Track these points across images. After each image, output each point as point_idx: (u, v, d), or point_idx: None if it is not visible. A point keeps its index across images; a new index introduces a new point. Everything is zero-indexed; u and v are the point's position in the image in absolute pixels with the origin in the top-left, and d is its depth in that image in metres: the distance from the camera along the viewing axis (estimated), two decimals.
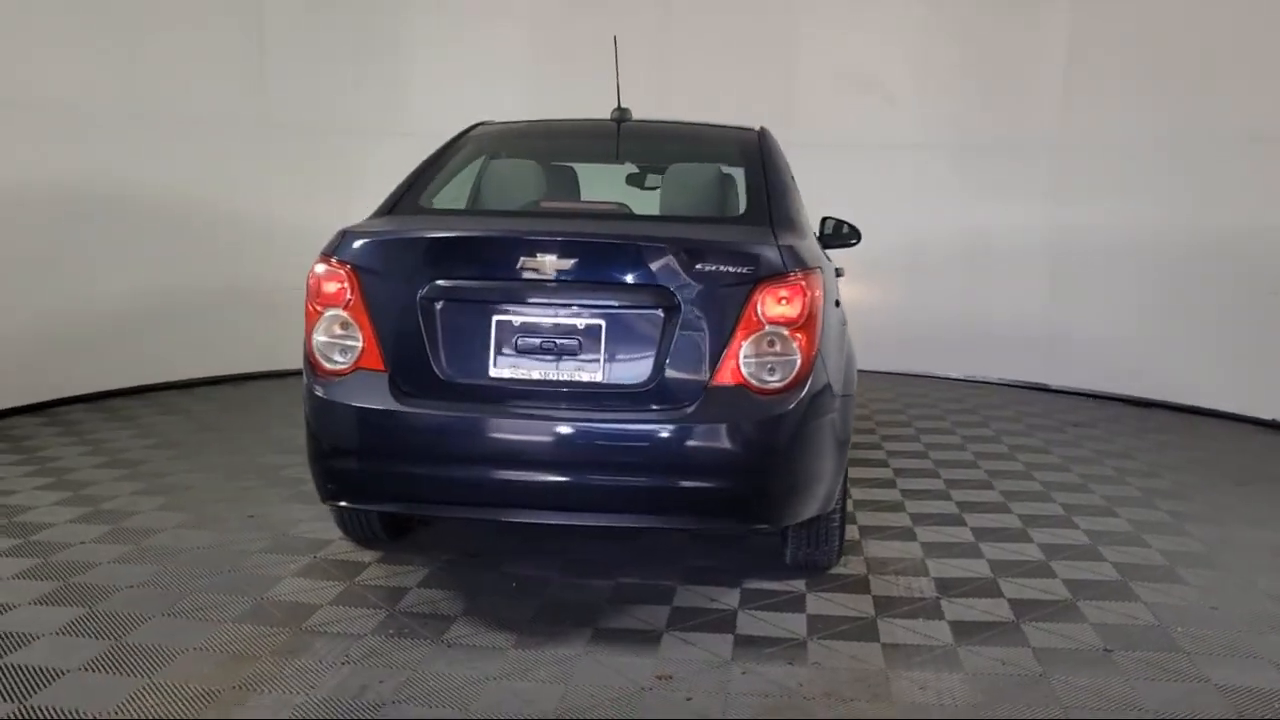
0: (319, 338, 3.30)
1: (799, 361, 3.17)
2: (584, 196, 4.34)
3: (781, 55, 8.40)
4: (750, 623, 3.41)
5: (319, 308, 3.30)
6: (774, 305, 3.14)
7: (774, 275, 3.15)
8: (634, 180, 4.66)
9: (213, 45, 7.35)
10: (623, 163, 4.57)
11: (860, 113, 8.25)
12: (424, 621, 3.35)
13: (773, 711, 2.81)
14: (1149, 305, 7.33)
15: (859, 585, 3.76)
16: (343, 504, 3.40)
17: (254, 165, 7.59)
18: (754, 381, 3.15)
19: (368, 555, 3.95)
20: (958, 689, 2.95)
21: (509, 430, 3.16)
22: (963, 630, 3.37)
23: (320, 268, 3.31)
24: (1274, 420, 6.67)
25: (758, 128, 4.33)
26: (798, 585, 3.75)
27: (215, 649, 3.10)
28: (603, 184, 4.47)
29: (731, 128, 4.41)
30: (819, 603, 3.59)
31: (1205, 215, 6.94)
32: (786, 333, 3.15)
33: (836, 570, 3.90)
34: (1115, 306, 7.52)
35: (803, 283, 3.17)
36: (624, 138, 4.34)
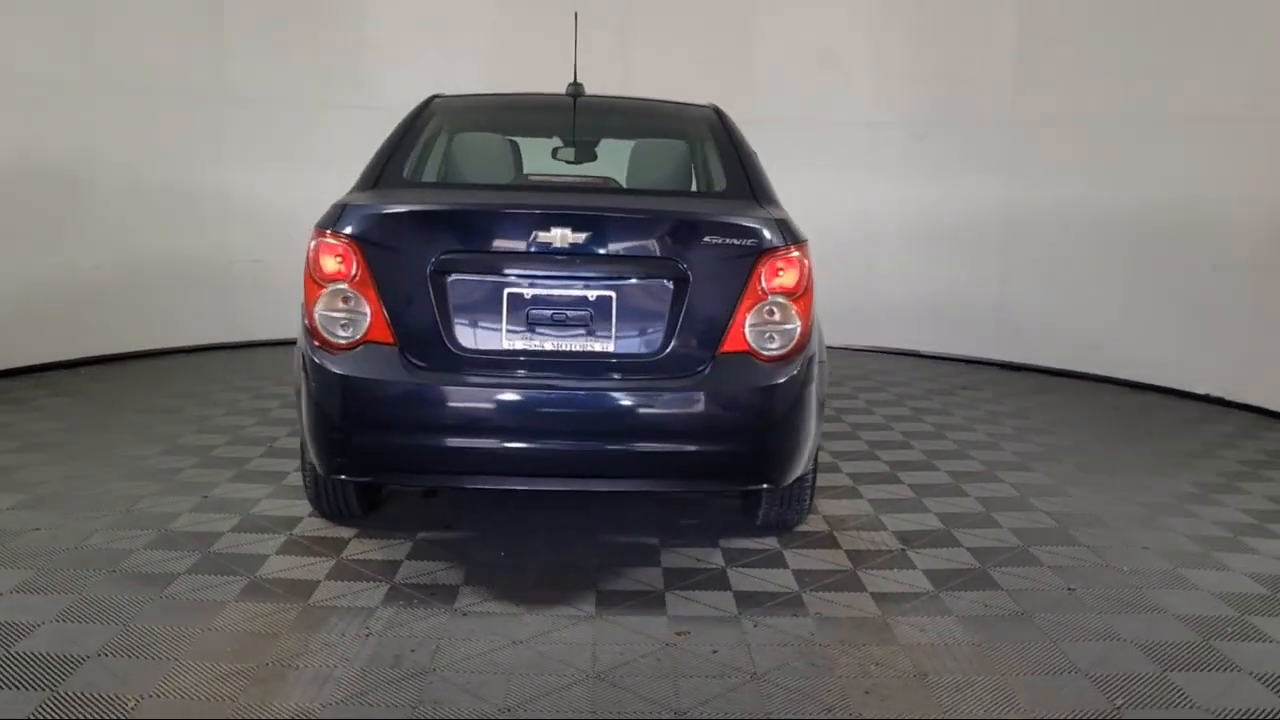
0: (322, 312, 3.27)
1: (799, 330, 3.34)
2: (550, 170, 4.39)
3: (740, 31, 8.53)
4: (743, 579, 3.58)
5: (321, 282, 3.27)
6: (775, 276, 3.30)
7: (775, 248, 3.31)
8: (583, 155, 4.72)
9: (170, 15, 7.43)
10: (577, 138, 4.62)
11: (815, 90, 8.37)
12: (430, 592, 3.38)
13: (797, 658, 2.98)
14: (1096, 281, 7.41)
15: (827, 541, 3.98)
16: (348, 477, 3.38)
17: (211, 137, 7.69)
18: (758, 349, 3.31)
19: (344, 531, 3.93)
20: (955, 630, 3.19)
21: (524, 401, 3.22)
22: (937, 578, 3.62)
23: (321, 242, 3.28)
24: (1208, 394, 6.81)
25: (710, 105, 4.47)
26: (771, 543, 3.94)
27: (229, 629, 3.06)
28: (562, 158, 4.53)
29: (687, 105, 4.53)
30: (798, 558, 3.78)
31: (1148, 193, 7.02)
32: (786, 302, 3.32)
33: (801, 529, 4.11)
34: (1064, 283, 7.60)
35: (799, 254, 3.34)
36: (581, 112, 4.41)
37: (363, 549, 3.75)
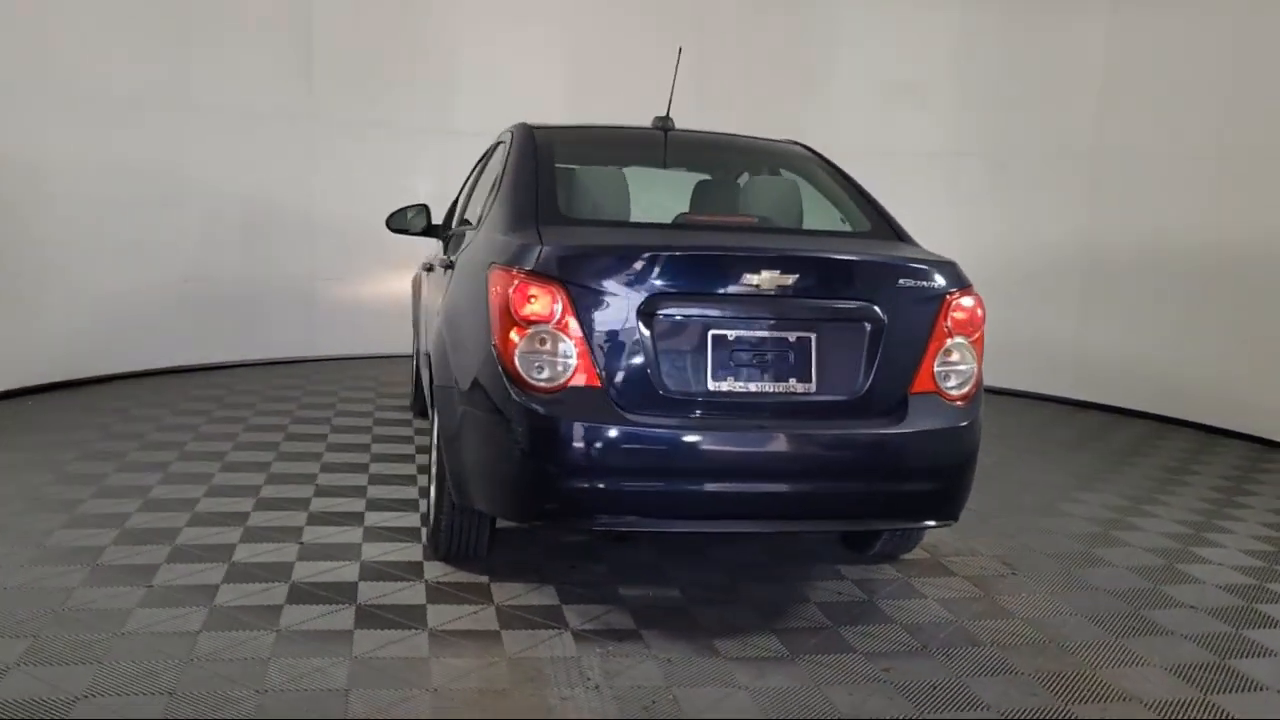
0: (524, 353, 3.18)
1: (975, 371, 3.47)
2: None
3: (819, 62, 8.73)
4: (897, 611, 3.68)
5: (521, 322, 3.18)
6: (958, 318, 3.42)
7: (956, 290, 3.43)
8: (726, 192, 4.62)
9: (262, 40, 7.97)
10: (672, 169, 4.61)
11: (894, 120, 8.43)
12: (616, 637, 3.32)
13: (1016, 688, 3.10)
14: (1175, 319, 7.38)
15: (939, 569, 4.13)
16: (550, 524, 3.28)
17: (298, 159, 8.26)
18: (944, 390, 3.42)
19: (473, 574, 3.79)
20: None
21: (737, 443, 3.21)
22: (1069, 600, 3.82)
23: (521, 281, 3.18)
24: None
25: (795, 141, 4.56)
26: (890, 571, 4.08)
27: (460, 691, 2.93)
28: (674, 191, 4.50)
29: (775, 140, 4.60)
30: (930, 587, 3.92)
31: (1237, 228, 6.94)
32: (966, 343, 3.44)
33: (906, 556, 4.25)
34: (1141, 320, 7.61)
35: (976, 296, 3.47)
36: (681, 147, 4.41)
37: (510, 594, 3.64)
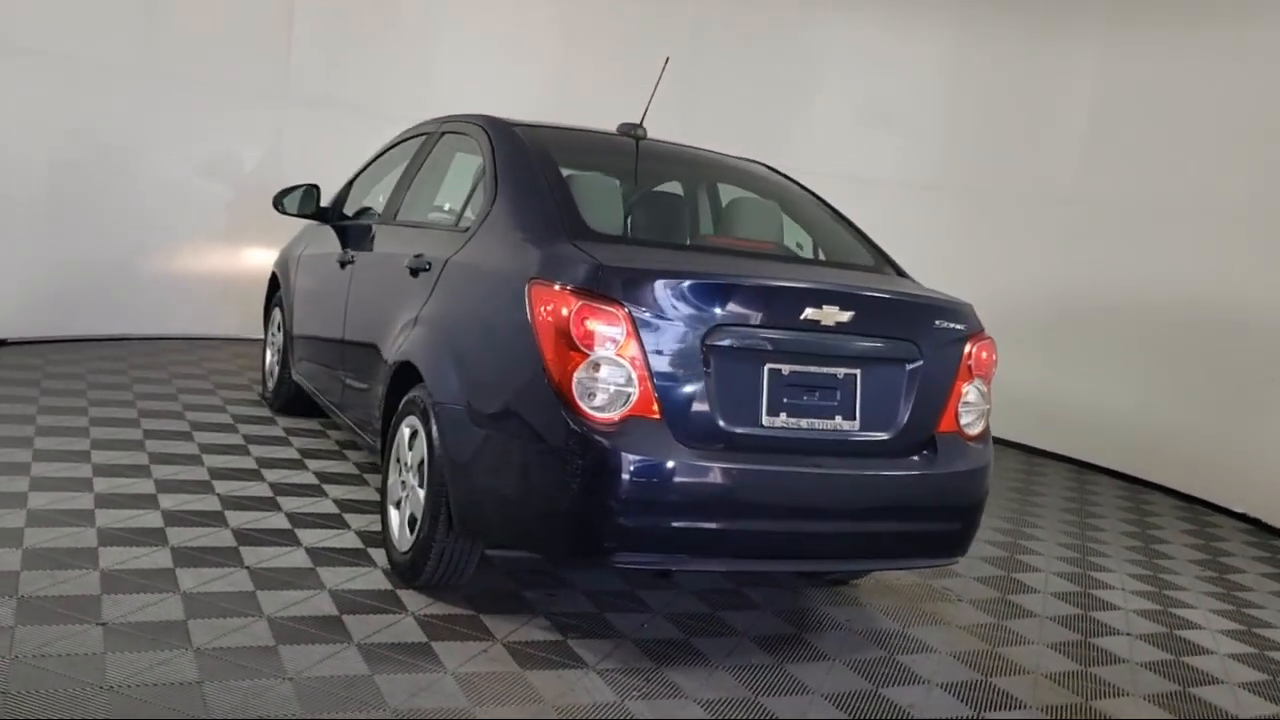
0: (584, 380, 2.97)
1: (988, 410, 3.57)
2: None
3: (806, 86, 8.48)
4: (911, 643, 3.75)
5: (583, 347, 2.97)
6: (979, 358, 3.51)
7: (978, 330, 3.52)
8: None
9: (237, 13, 7.61)
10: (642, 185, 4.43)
11: (878, 148, 8.19)
12: (643, 676, 3.19)
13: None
14: (1144, 373, 7.10)
15: (883, 589, 4.24)
16: (600, 560, 3.08)
17: (270, 137, 7.95)
18: (965, 430, 3.50)
19: (455, 605, 3.52)
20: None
21: (794, 482, 3.16)
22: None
23: (586, 304, 2.98)
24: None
25: (762, 160, 4.54)
26: (853, 594, 4.13)
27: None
28: None
29: (743, 158, 4.55)
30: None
31: (1204, 284, 6.74)
32: (983, 384, 3.54)
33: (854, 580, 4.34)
34: (1111, 370, 7.30)
35: (991, 339, 3.57)
36: (656, 159, 4.27)
37: (508, 628, 3.41)
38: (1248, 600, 4.84)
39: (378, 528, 4.15)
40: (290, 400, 5.76)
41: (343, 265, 4.71)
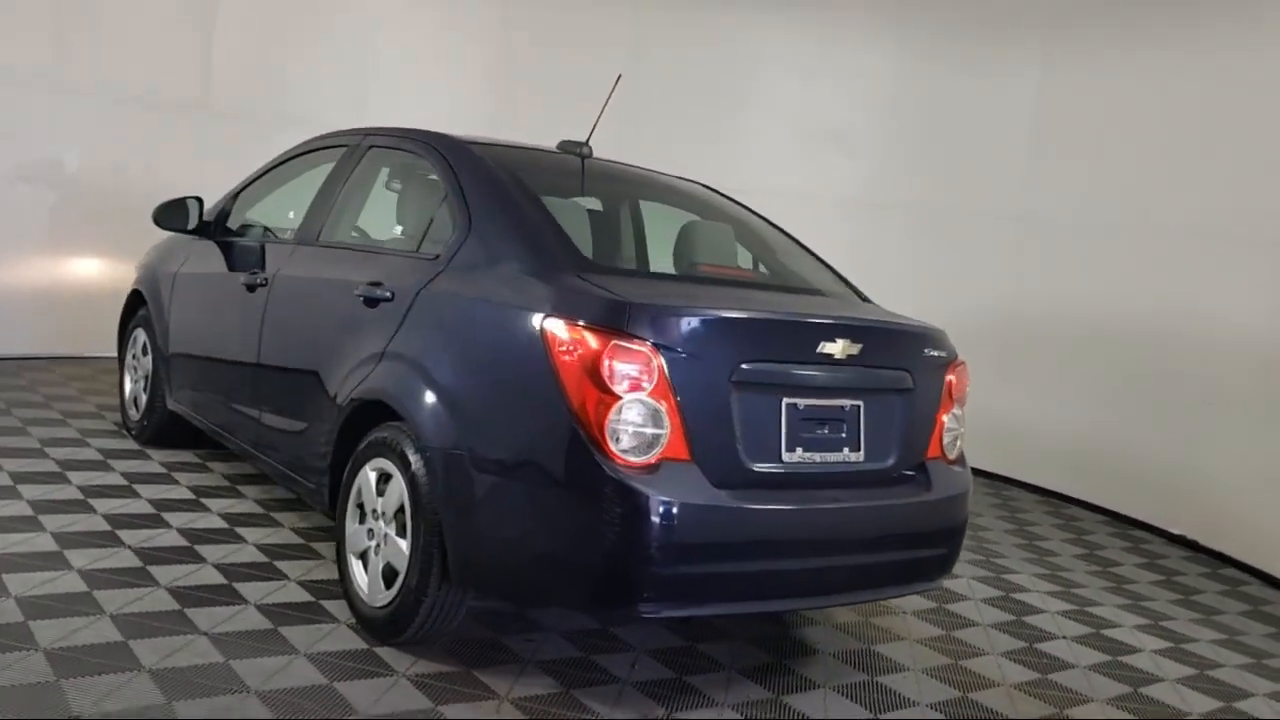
0: (617, 424, 2.84)
1: (962, 434, 3.66)
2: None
3: (742, 103, 8.16)
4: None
5: (616, 390, 2.84)
6: (958, 385, 3.60)
7: (955, 357, 3.60)
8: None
9: (155, 24, 7.28)
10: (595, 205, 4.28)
11: (818, 166, 7.95)
12: None
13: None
14: (1087, 391, 6.86)
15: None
16: (643, 612, 2.93)
17: (188, 150, 7.36)
18: (947, 454, 3.57)
19: (439, 664, 3.30)
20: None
21: (819, 519, 3.13)
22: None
23: (617, 345, 2.84)
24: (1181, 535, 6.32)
25: (698, 179, 4.50)
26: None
27: None
28: None
29: (685, 178, 4.48)
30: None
31: (1141, 307, 6.57)
32: (959, 410, 3.63)
33: None
34: (1049, 393, 7.08)
35: (964, 363, 3.66)
36: (615, 181, 4.16)
37: (505, 683, 3.22)
38: (1141, 594, 5.19)
39: (316, 576, 3.87)
40: (161, 430, 5.27)
41: (251, 288, 4.33)
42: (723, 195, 4.47)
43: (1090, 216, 6.94)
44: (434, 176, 3.81)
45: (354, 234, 4.28)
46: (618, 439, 2.84)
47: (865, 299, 3.95)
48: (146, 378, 5.31)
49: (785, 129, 8.14)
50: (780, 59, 8.18)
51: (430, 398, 3.22)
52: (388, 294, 3.53)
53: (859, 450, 3.30)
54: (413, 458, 3.20)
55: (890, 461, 3.38)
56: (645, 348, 2.87)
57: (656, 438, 2.88)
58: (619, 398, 2.84)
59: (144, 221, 5.02)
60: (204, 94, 7.51)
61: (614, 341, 2.85)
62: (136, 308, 5.55)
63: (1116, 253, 6.76)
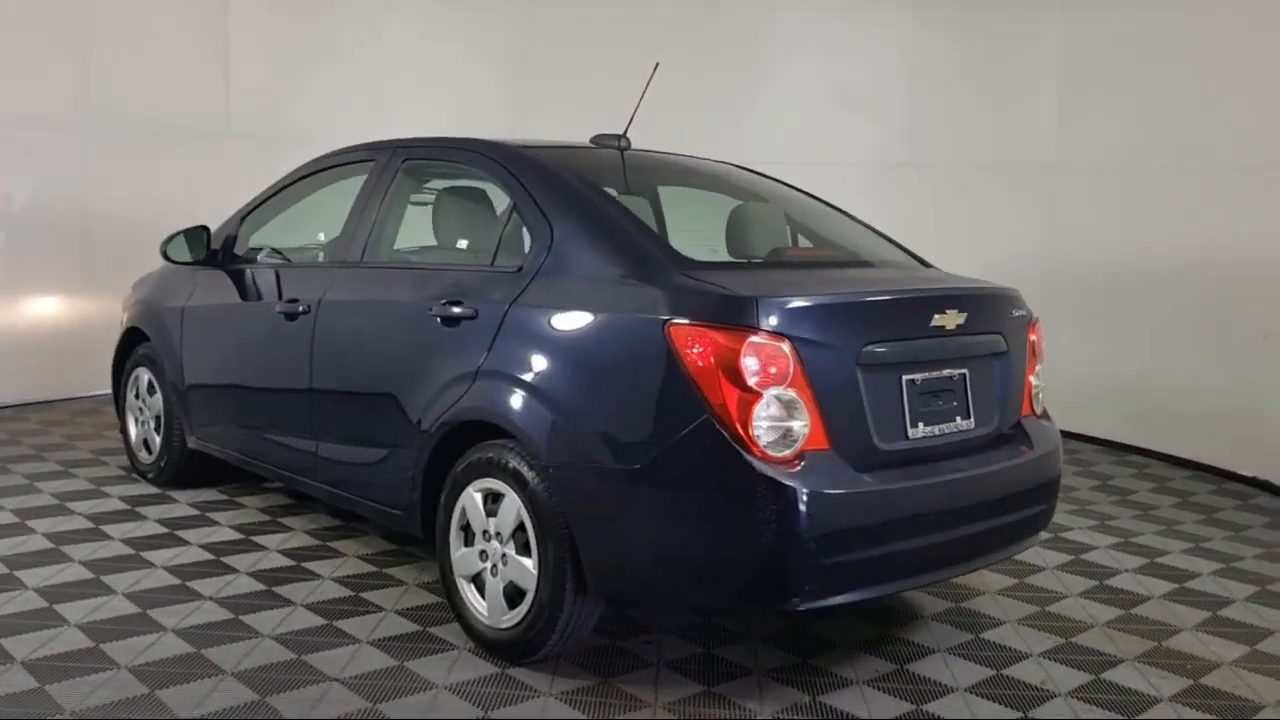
0: (766, 421, 2.83)
1: (1043, 387, 3.74)
2: None
3: (769, 75, 8.01)
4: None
5: (756, 386, 2.82)
6: (1038, 342, 3.67)
7: (1033, 315, 3.67)
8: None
9: (173, 53, 7.30)
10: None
11: (848, 132, 7.75)
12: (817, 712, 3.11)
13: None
14: (1130, 342, 6.73)
15: None
16: (805, 604, 2.91)
17: (214, 177, 7.17)
18: (1036, 410, 3.65)
19: (580, 678, 3.27)
20: None
21: (949, 490, 3.17)
22: None
23: (750, 342, 2.83)
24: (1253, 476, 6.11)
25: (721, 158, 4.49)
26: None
27: None
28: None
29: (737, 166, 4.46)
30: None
31: (1194, 249, 6.36)
32: (1039, 366, 3.70)
33: None
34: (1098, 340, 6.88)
35: (1038, 319, 3.73)
36: (674, 173, 4.14)
37: (651, 692, 3.20)
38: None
39: (411, 603, 3.79)
40: (180, 471, 5.07)
41: (292, 316, 4.17)
42: (761, 175, 4.45)
43: (1132, 160, 6.72)
44: (485, 186, 3.72)
45: (412, 254, 4.17)
46: (762, 435, 2.83)
47: (927, 265, 3.98)
48: (157, 418, 5.10)
49: (811, 99, 7.97)
50: (801, 30, 8.02)
51: (542, 413, 3.16)
52: (470, 312, 3.44)
53: (969, 418, 3.34)
54: (529, 475, 3.14)
55: (995, 424, 3.44)
56: (780, 341, 2.85)
57: (799, 430, 2.88)
58: (759, 394, 2.82)
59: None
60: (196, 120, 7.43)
61: (749, 338, 2.83)
62: (131, 346, 5.32)
63: (1164, 193, 6.54)
